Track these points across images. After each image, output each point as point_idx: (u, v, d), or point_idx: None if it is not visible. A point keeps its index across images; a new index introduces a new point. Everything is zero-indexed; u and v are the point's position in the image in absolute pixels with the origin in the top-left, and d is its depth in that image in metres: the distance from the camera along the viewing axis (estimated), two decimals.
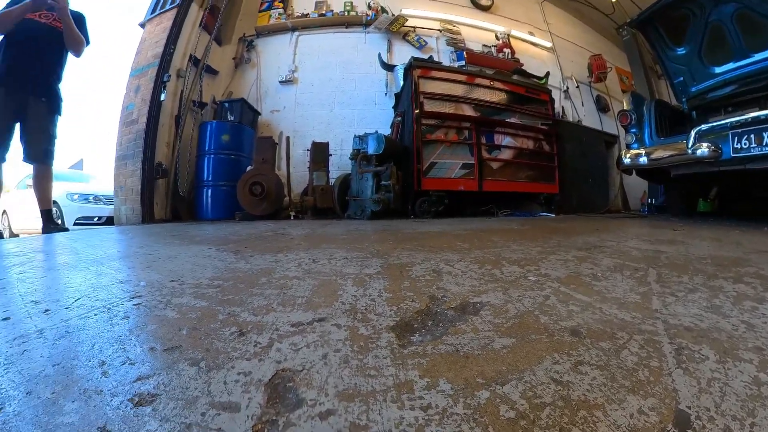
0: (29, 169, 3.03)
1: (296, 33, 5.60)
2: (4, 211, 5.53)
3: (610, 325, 0.69)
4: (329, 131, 5.21)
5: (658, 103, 3.50)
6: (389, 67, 5.30)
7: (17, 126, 2.73)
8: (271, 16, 5.61)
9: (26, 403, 0.50)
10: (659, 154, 3.10)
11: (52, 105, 2.85)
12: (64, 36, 2.79)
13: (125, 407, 0.48)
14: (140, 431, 0.43)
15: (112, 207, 4.65)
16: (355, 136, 4.08)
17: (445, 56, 5.69)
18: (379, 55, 5.38)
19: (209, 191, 4.29)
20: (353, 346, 0.61)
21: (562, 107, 6.22)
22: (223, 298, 0.91)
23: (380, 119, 5.11)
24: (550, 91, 5.38)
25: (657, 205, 4.79)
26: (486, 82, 4.69)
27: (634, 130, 3.42)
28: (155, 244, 2.02)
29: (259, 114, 5.27)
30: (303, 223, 3.39)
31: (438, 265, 1.18)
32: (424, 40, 5.72)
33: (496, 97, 4.71)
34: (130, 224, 3.97)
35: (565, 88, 6.52)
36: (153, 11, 4.51)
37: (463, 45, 5.87)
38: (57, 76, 2.91)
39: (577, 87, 6.67)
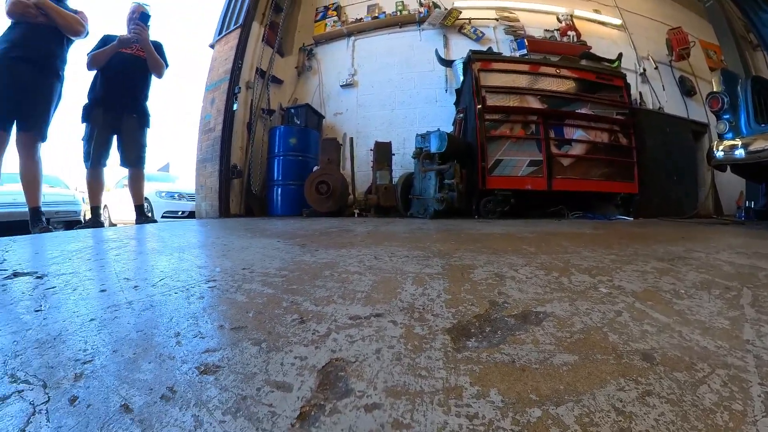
0: (125, 172, 3.56)
1: (352, 38, 5.78)
2: (105, 206, 6.55)
3: (690, 353, 0.59)
4: (391, 131, 5.27)
5: (755, 81, 2.94)
6: (447, 63, 5.18)
7: (114, 138, 3.28)
8: (326, 24, 5.88)
9: (112, 358, 0.60)
10: (760, 144, 2.57)
11: (142, 120, 3.38)
12: (148, 62, 3.30)
13: (192, 373, 0.54)
14: (202, 396, 0.48)
15: (193, 203, 5.29)
16: (417, 135, 4.05)
17: (504, 46, 5.40)
18: (436, 51, 5.29)
19: (279, 190, 4.67)
20: (407, 344, 0.61)
21: (640, 93, 5.39)
22: (288, 287, 0.96)
23: (442, 117, 5.03)
24: (625, 75, 4.65)
25: (757, 209, 3.89)
26: (551, 70, 4.30)
27: (727, 116, 2.89)
28: (230, 236, 2.21)
29: (323, 117, 5.55)
30: (366, 220, 3.45)
31: (501, 268, 1.13)
32: (481, 32, 5.49)
33: (564, 86, 4.29)
34: (208, 218, 4.48)
35: (642, 70, 5.57)
36: (220, 33, 5.04)
37: (522, 32, 5.49)
38: (144, 96, 3.43)
39: (656, 68, 5.64)
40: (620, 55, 5.11)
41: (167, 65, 3.47)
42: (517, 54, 5.23)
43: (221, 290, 0.97)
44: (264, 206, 4.80)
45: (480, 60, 4.21)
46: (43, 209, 2.97)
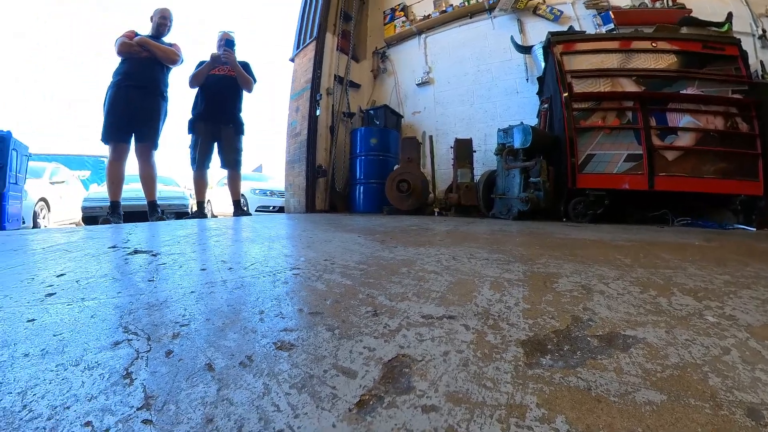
0: (225, 173, 4.21)
1: (423, 36, 5.68)
2: (209, 201, 7.65)
3: None
4: (471, 127, 5.05)
5: None
6: (525, 50, 4.70)
7: (215, 145, 3.90)
8: (395, 26, 5.88)
9: (204, 325, 0.72)
10: None
11: (237, 129, 3.96)
12: (238, 80, 3.87)
13: (269, 347, 0.61)
14: (274, 368, 0.54)
15: (283, 199, 5.88)
16: (499, 130, 3.77)
17: (587, 23, 4.67)
18: (512, 38, 4.83)
19: (361, 188, 4.90)
20: (477, 351, 0.59)
21: (761, 62, 4.09)
22: (365, 280, 1.00)
23: (525, 109, 4.65)
24: (738, 41, 3.62)
25: None
26: (646, 44, 3.60)
27: None
28: (315, 230, 2.36)
29: (402, 117, 5.64)
30: (446, 219, 3.37)
31: (589, 280, 1.02)
32: (558, 10, 4.85)
33: (663, 62, 3.56)
34: (296, 213, 4.90)
35: (760, 32, 4.24)
36: (297, 47, 5.59)
37: (606, 4, 4.66)
38: (238, 108, 4.00)
39: None
40: (730, 16, 3.93)
41: (255, 81, 4.04)
42: (603, 30, 4.45)
43: (304, 278, 1.05)
44: (347, 203, 5.10)
45: (561, 42, 3.73)
46: (158, 203, 3.72)
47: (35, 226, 5.58)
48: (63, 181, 7.08)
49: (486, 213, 3.87)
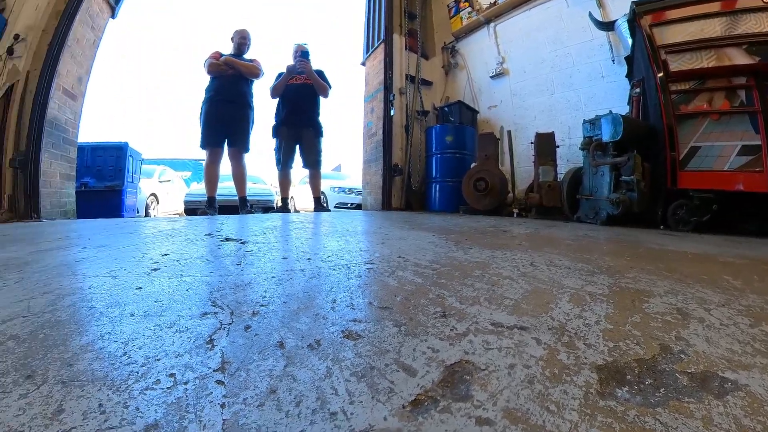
0: (306, 172, 4.60)
1: (491, 24, 5.29)
2: (292, 197, 8.33)
3: None
4: (553, 119, 4.56)
5: None
6: (607, 26, 4.01)
7: (297, 147, 4.33)
8: (461, 18, 5.59)
9: (281, 307, 0.79)
10: None
11: (317, 131, 4.35)
12: (314, 86, 4.25)
13: (336, 335, 0.64)
14: (339, 354, 0.56)
15: (360, 197, 6.16)
16: (585, 121, 3.34)
17: None
18: (590, 14, 4.16)
19: (437, 186, 4.84)
20: (545, 369, 0.54)
21: None
22: (437, 280, 0.99)
23: (613, 95, 4.03)
24: None
25: None
26: (755, 1, 2.71)
27: None
28: (390, 227, 2.40)
29: (477, 112, 5.39)
30: (526, 221, 3.16)
31: (687, 303, 0.87)
32: None
33: None
34: (373, 210, 5.06)
35: None
36: (367, 51, 5.77)
37: None
38: (316, 113, 4.39)
39: None
40: None
41: (330, 86, 4.38)
42: None
43: (377, 273, 1.07)
44: (422, 201, 5.09)
45: (649, 11, 3.10)
46: (248, 198, 4.32)
47: (146, 215, 6.86)
48: (169, 180, 8.61)
49: (570, 216, 3.50)
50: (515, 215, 3.86)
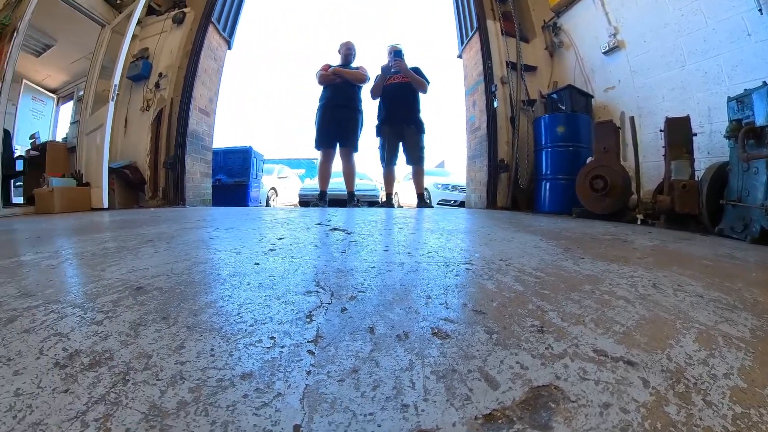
0: (410, 168, 4.80)
1: None
2: (396, 192, 8.75)
3: None
4: (687, 99, 3.54)
5: None
6: None
7: (400, 144, 4.51)
8: None
9: (377, 296, 0.84)
10: None
11: (419, 128, 4.47)
12: (412, 84, 4.38)
13: (425, 331, 0.65)
14: (424, 350, 0.57)
15: (464, 194, 6.01)
16: (729, 99, 2.42)
17: None
18: None
19: (547, 184, 4.32)
20: (646, 421, 0.44)
21: None
22: (539, 290, 0.92)
23: (766, 58, 2.98)
24: None
25: None
26: None
27: None
28: (494, 227, 2.30)
29: (592, 97, 4.55)
30: (651, 231, 2.60)
31: None
32: None
33: None
34: (476, 208, 4.88)
35: None
36: (461, 42, 5.49)
37: None
38: (417, 110, 4.52)
39: None
40: None
41: (428, 82, 4.47)
42: None
43: (475, 274, 1.05)
44: (530, 201, 4.65)
45: None
46: (355, 193, 4.70)
47: (267, 205, 7.97)
48: (286, 177, 10.00)
49: (710, 227, 2.61)
50: (639, 222, 3.19)
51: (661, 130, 3.17)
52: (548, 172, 4.25)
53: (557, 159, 4.19)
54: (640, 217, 3.20)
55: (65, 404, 0.43)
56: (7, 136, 3.98)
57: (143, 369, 0.51)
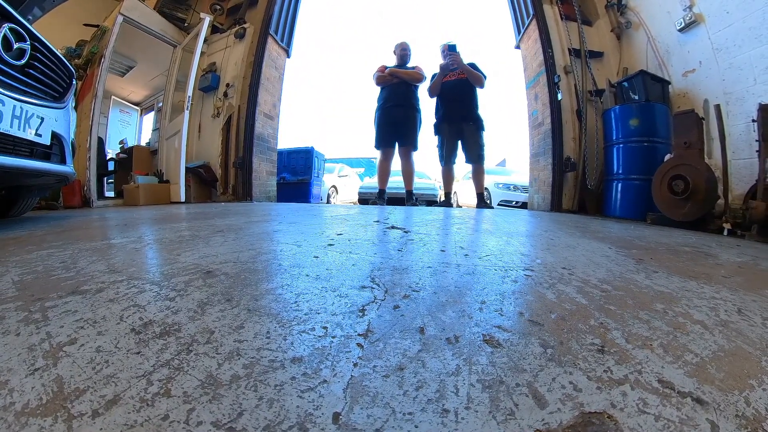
0: (469, 167, 4.71)
1: None
2: (455, 192, 8.62)
3: None
4: None
5: None
6: None
7: (459, 142, 4.44)
8: None
9: (430, 296, 0.84)
10: None
11: (478, 125, 4.37)
12: (470, 79, 4.31)
13: (476, 336, 0.63)
14: (473, 357, 0.56)
15: (526, 195, 5.71)
16: None
17: None
18: None
19: (618, 185, 3.85)
20: None
21: None
22: (604, 304, 0.85)
23: None
24: None
25: None
26: None
27: None
28: (558, 231, 2.18)
29: (669, 83, 3.90)
30: (741, 244, 2.22)
31: None
32: None
33: None
34: (539, 210, 4.59)
35: None
36: (518, 32, 5.25)
37: None
38: (475, 105, 4.41)
39: None
40: None
41: (485, 77, 4.36)
42: None
43: (535, 282, 0.99)
44: (599, 204, 4.20)
45: None
46: (414, 192, 4.73)
47: (328, 202, 8.38)
48: (346, 175, 10.51)
49: None
50: (725, 232, 2.75)
51: (753, 120, 2.71)
52: (620, 171, 3.81)
53: (630, 156, 3.74)
54: (727, 226, 2.74)
55: (136, 364, 0.51)
56: (101, 142, 4.81)
57: (205, 342, 0.58)
